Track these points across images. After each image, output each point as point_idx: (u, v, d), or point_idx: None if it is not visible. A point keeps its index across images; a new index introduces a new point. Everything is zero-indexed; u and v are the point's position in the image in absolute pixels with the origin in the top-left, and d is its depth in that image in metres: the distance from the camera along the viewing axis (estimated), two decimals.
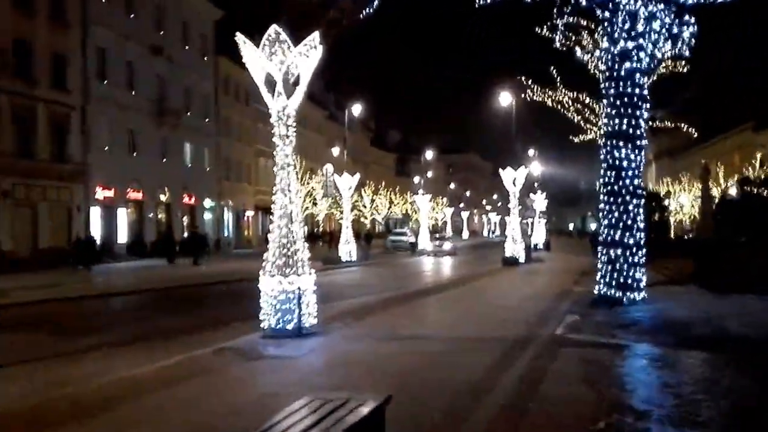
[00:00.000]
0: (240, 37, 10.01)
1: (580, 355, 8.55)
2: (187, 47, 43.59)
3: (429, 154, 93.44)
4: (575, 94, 24.26)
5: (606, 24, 12.63)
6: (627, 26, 12.00)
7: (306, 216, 48.74)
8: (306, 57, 9.97)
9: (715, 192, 38.17)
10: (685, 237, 40.64)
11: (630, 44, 12.06)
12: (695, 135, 26.74)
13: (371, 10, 14.33)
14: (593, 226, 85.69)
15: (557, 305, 14.07)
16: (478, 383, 7.04)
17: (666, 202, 40.70)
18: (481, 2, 13.40)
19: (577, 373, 7.45)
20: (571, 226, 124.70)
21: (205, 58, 46.06)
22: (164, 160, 40.80)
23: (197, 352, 8.97)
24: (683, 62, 18.38)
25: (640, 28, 11.86)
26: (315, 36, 10.00)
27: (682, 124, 24.85)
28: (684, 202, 52.24)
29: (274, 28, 9.84)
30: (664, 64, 20.85)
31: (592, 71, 21.56)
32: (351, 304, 14.79)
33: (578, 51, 15.01)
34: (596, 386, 6.83)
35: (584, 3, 12.78)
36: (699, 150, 57.54)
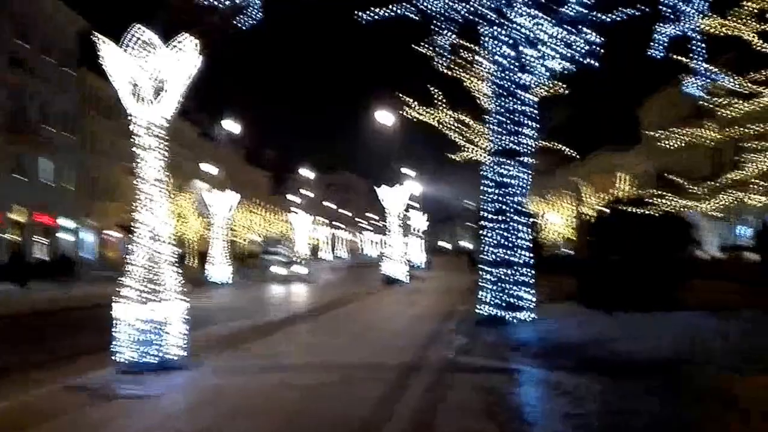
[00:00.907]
0: (99, 37, 8.91)
1: (475, 382, 8.11)
2: (48, 59, 40.52)
3: (306, 173, 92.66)
4: (456, 112, 24.49)
5: (491, 41, 12.55)
6: (512, 43, 11.96)
7: (177, 236, 46.35)
8: (178, 61, 9.02)
9: (588, 211, 40.08)
10: (559, 255, 42.33)
11: (515, 61, 12.04)
12: (575, 155, 27.81)
13: (252, 20, 13.47)
14: (466, 244, 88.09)
15: (445, 326, 13.74)
16: (371, 419, 6.37)
17: (539, 221, 42.25)
18: (364, 16, 12.98)
19: (474, 404, 6.98)
20: (446, 244, 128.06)
21: (68, 71, 43.00)
22: (18, 176, 37.52)
23: (36, 392, 7.69)
24: (563, 84, 18.94)
25: (526, 44, 11.86)
26: (188, 38, 9.06)
27: (558, 145, 25.72)
28: (556, 221, 54.76)
29: (140, 27, 8.82)
30: (545, 86, 21.52)
31: (473, 90, 21.82)
32: (225, 330, 13.67)
33: (460, 70, 14.90)
34: (497, 418, 6.37)
35: (463, 18, 12.60)
36: (570, 169, 60.64)
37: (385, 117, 37.05)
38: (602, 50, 11.96)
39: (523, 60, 12.11)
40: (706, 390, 7.64)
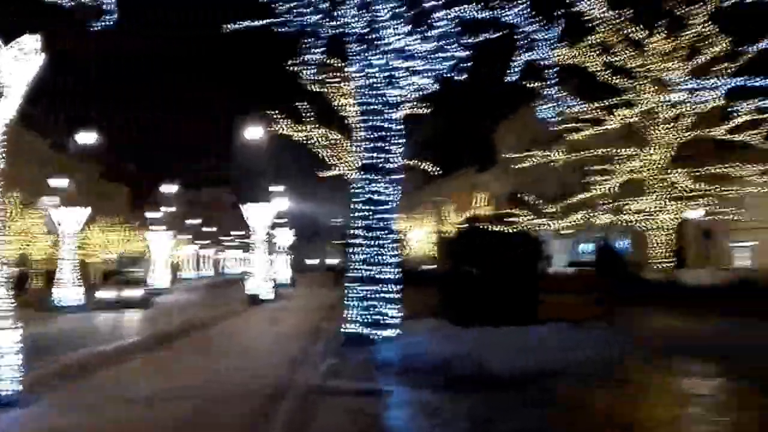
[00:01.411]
0: None
1: (345, 406, 7.81)
2: None
3: (169, 188, 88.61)
4: (325, 129, 24.40)
5: (359, 57, 12.45)
6: (381, 58, 11.92)
7: (21, 256, 42.58)
8: (17, 61, 8.09)
9: (448, 227, 41.35)
10: (423, 270, 43.16)
11: (383, 77, 12.00)
12: (438, 172, 28.54)
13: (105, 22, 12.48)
14: (334, 261, 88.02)
15: (311, 346, 13.34)
16: None
17: (405, 237, 42.98)
18: (229, 27, 12.49)
19: (343, 429, 6.65)
20: (313, 261, 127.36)
21: None
22: None
23: None
24: (425, 104, 19.28)
25: (394, 61, 11.85)
26: (30, 38, 8.17)
27: (424, 163, 26.32)
28: (420, 237, 56.00)
29: None
30: (411, 102, 21.82)
31: (342, 107, 21.77)
32: (71, 359, 12.37)
33: (329, 87, 14.75)
34: None
35: (331, 33, 12.43)
36: (431, 187, 62.35)
37: (254, 133, 36.17)
38: (469, 63, 12.19)
39: (392, 75, 12.09)
40: (567, 402, 7.82)
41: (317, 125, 24.34)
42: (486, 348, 11.45)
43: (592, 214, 30.85)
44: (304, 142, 24.89)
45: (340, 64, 13.38)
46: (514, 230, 21.29)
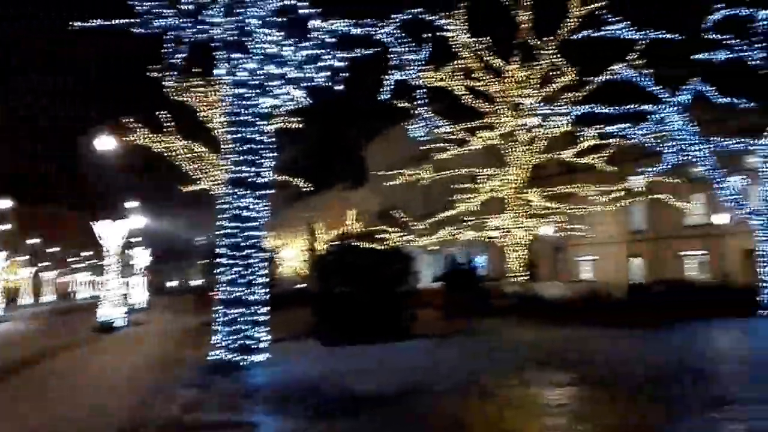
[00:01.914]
0: None
1: None
2: None
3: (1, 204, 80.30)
4: (190, 142, 23.07)
5: (228, 65, 11.75)
6: (252, 70, 11.28)
7: None
8: None
9: (320, 245, 40.81)
10: (294, 290, 42.21)
11: (255, 86, 11.36)
12: (310, 189, 27.93)
13: None
14: (197, 282, 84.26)
15: (169, 377, 12.17)
16: None
17: (276, 255, 41.89)
18: (77, 25, 11.35)
19: None
20: (171, 283, 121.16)
21: None
22: None
23: None
24: (297, 118, 18.81)
25: (267, 67, 11.25)
26: None
27: (295, 179, 25.66)
28: (291, 255, 54.90)
29: None
30: (280, 118, 21.14)
31: (209, 118, 20.65)
32: None
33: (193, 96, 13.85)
34: None
35: (196, 39, 11.66)
36: (302, 205, 61.57)
37: (106, 143, 33.57)
38: (346, 74, 11.87)
39: (265, 83, 11.48)
40: (432, 419, 7.63)
41: (180, 136, 22.97)
42: (355, 368, 11.09)
43: (456, 231, 31.67)
44: (165, 154, 23.40)
45: (206, 75, 12.58)
46: (385, 247, 21.21)
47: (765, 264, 18.12)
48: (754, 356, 11.62)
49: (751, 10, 17.84)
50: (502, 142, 30.76)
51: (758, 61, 18.03)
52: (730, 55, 18.28)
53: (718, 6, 18.06)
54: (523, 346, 14.22)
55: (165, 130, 22.78)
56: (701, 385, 8.84)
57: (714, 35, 18.12)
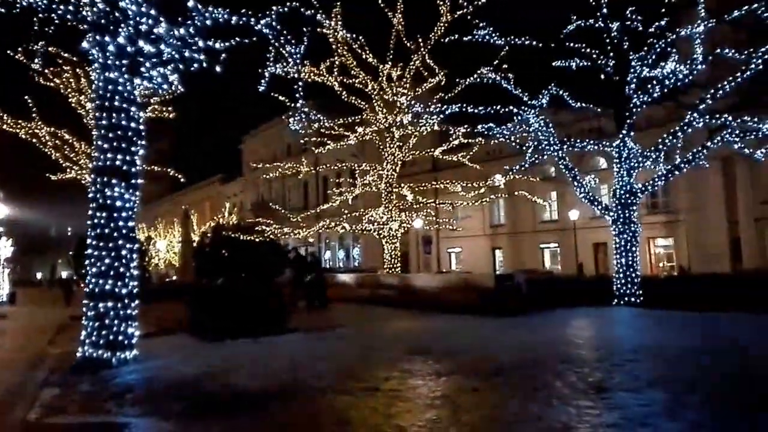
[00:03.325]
0: None
1: None
2: None
3: None
4: (54, 128, 21.02)
5: (98, 52, 10.60)
6: (123, 47, 10.21)
7: None
8: None
9: (196, 237, 38.95)
10: (168, 282, 40.06)
11: (126, 65, 10.31)
12: (183, 180, 26.46)
13: None
14: (65, 274, 78.19)
15: (29, 376, 10.90)
16: None
17: (149, 247, 39.50)
18: None
19: None
20: (39, 275, 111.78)
21: None
22: None
23: None
24: (170, 108, 17.59)
25: (139, 45, 10.22)
26: None
27: (170, 170, 24.18)
28: (161, 248, 52.13)
29: None
30: (151, 108, 19.71)
31: (77, 103, 18.87)
32: None
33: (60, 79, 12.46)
34: None
35: (61, 18, 10.44)
36: (177, 197, 58.76)
37: None
38: (225, 56, 11.08)
39: (137, 62, 10.44)
40: (324, 415, 7.18)
41: (45, 123, 20.89)
42: (233, 365, 10.41)
43: (333, 223, 31.36)
44: (31, 140, 21.22)
45: (75, 56, 11.32)
46: (261, 238, 20.42)
47: (616, 257, 19.20)
48: (623, 343, 12.10)
49: (606, 22, 18.84)
50: (377, 138, 30.79)
51: (609, 69, 19.07)
52: (585, 63, 19.20)
53: (573, 18, 18.93)
54: (403, 336, 14.09)
55: (31, 115, 20.66)
56: (578, 372, 8.99)
57: (570, 44, 18.97)
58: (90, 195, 10.78)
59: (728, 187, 34.56)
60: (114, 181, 10.59)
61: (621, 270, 18.88)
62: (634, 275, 18.76)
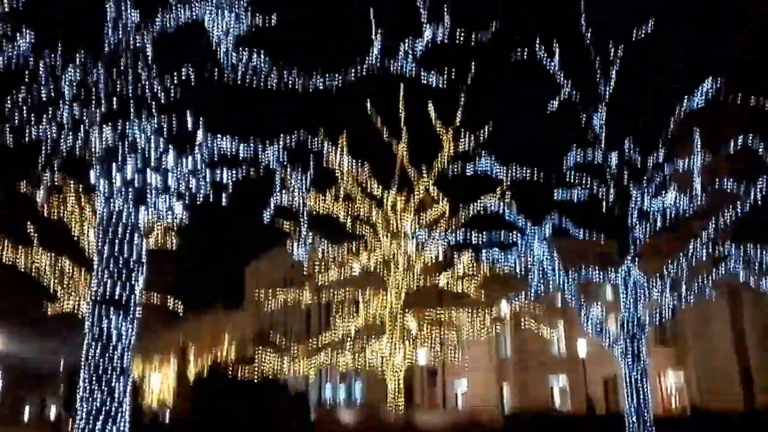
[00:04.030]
0: None
1: None
2: None
3: None
4: (53, 257, 21.17)
5: (105, 183, 10.90)
6: (130, 180, 10.49)
7: None
8: None
9: (193, 370, 38.03)
10: (163, 421, 38.49)
11: (132, 195, 10.52)
12: (183, 310, 26.25)
13: None
14: (54, 410, 75.37)
15: None
16: None
17: (142, 383, 38.43)
18: None
19: None
20: (27, 412, 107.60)
21: None
22: None
23: None
24: (173, 237, 17.80)
25: (148, 176, 10.49)
26: None
27: (169, 299, 24.02)
28: (155, 381, 50.67)
29: None
30: (153, 237, 19.91)
31: (76, 233, 19.11)
32: None
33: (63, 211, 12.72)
34: None
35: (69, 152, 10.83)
36: (175, 327, 58.00)
37: None
38: (230, 190, 11.31)
39: (143, 193, 10.65)
40: None
41: (45, 250, 21.07)
42: None
43: (335, 354, 30.67)
44: (29, 270, 21.30)
45: (80, 186, 11.65)
46: (264, 379, 19.85)
47: (627, 395, 18.48)
48: None
49: (604, 154, 19.47)
50: (381, 266, 30.89)
51: (610, 200, 19.42)
52: (586, 194, 19.60)
53: (574, 148, 19.58)
54: None
55: (32, 244, 20.91)
56: None
57: (571, 175, 19.47)
58: (86, 326, 10.61)
59: (736, 315, 34.29)
60: (112, 312, 10.46)
61: (633, 410, 18.09)
62: (646, 415, 17.94)
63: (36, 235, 20.18)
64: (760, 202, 17.15)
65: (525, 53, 17.65)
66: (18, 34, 10.07)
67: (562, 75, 18.47)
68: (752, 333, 33.23)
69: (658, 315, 18.92)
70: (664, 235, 21.48)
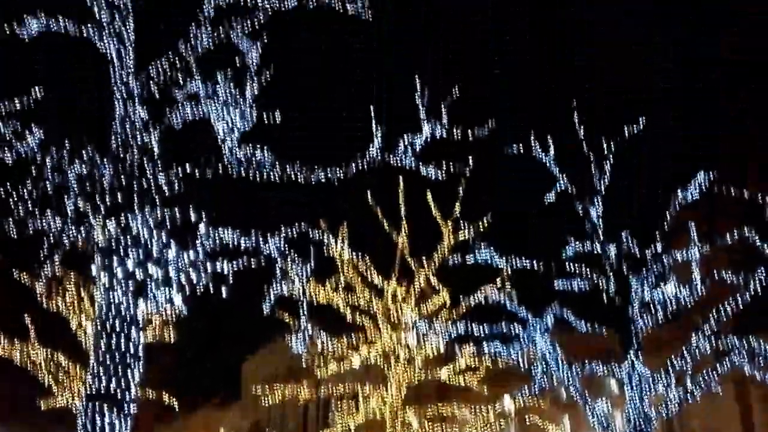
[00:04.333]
0: None
1: None
2: None
3: None
4: (50, 350, 20.91)
5: (106, 275, 11.00)
6: (131, 273, 10.56)
7: None
8: None
9: None
10: None
11: (132, 288, 10.56)
12: (175, 404, 25.57)
13: None
14: None
15: None
16: None
17: None
18: None
19: None
20: None
21: None
22: None
23: None
24: (170, 330, 17.64)
25: (148, 269, 10.57)
26: None
27: (163, 394, 23.49)
28: None
29: None
30: (151, 331, 19.74)
31: (74, 326, 18.97)
32: None
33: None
34: None
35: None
36: (168, 425, 56.12)
37: None
38: (231, 281, 11.37)
39: (143, 286, 10.70)
40: None
41: (43, 344, 20.84)
42: None
43: None
44: (24, 365, 21.01)
45: (80, 277, 11.73)
46: None
47: None
48: None
49: (603, 245, 19.63)
50: (382, 359, 30.34)
51: (611, 291, 19.41)
52: (586, 285, 19.61)
53: (572, 240, 19.77)
54: None
55: (29, 337, 20.74)
56: None
57: (570, 265, 19.56)
58: (78, 423, 10.39)
59: (744, 410, 33.45)
60: (106, 407, 10.26)
61: None
62: None
63: (33, 327, 20.05)
64: (760, 293, 17.17)
65: (520, 148, 18.21)
66: (27, 131, 10.47)
67: (557, 169, 18.95)
68: (761, 428, 32.33)
69: (665, 409, 18.50)
70: (666, 327, 21.31)
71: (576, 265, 19.63)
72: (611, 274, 19.55)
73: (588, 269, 19.68)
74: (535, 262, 19.36)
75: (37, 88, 10.46)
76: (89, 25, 11.37)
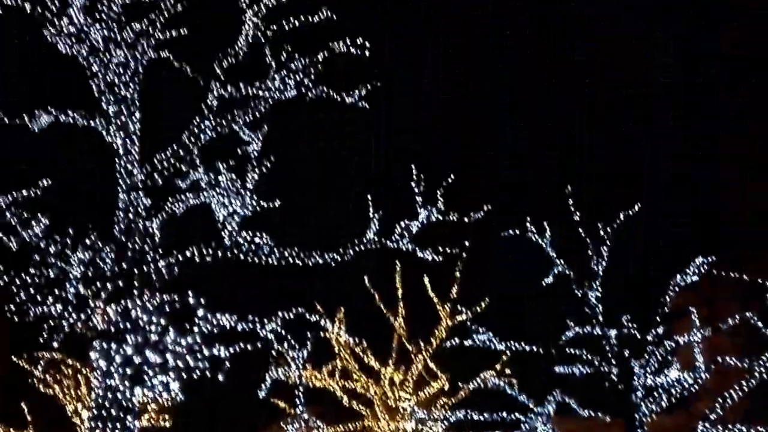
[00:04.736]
0: None
1: None
2: None
3: None
4: None
5: (104, 360, 11.10)
6: (128, 358, 10.64)
7: None
8: None
9: None
10: None
11: (126, 380, 10.62)
12: None
13: None
14: None
15: None
16: None
17: None
18: None
19: None
20: None
21: None
22: None
23: None
24: (166, 417, 17.42)
25: (146, 356, 10.64)
26: None
27: None
28: None
29: None
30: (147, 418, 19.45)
31: (71, 413, 18.75)
32: None
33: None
34: None
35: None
36: None
37: None
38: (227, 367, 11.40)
39: (141, 371, 10.74)
40: None
41: None
42: None
43: None
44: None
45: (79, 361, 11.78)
46: None
47: None
48: None
49: (603, 329, 19.62)
50: None
51: (613, 377, 19.26)
52: (588, 370, 19.48)
53: (571, 324, 19.77)
54: None
55: (26, 424, 20.41)
56: None
57: (571, 350, 19.48)
58: None
59: None
60: None
61: None
62: None
63: (30, 415, 19.76)
64: (766, 376, 17.08)
65: (516, 232, 18.55)
66: (33, 221, 10.80)
67: (554, 253, 19.20)
68: None
69: None
70: (671, 414, 21.02)
71: (576, 349, 19.54)
72: (612, 358, 19.47)
73: (588, 354, 19.59)
74: (534, 346, 19.31)
75: (45, 180, 10.87)
76: (97, 117, 11.90)
